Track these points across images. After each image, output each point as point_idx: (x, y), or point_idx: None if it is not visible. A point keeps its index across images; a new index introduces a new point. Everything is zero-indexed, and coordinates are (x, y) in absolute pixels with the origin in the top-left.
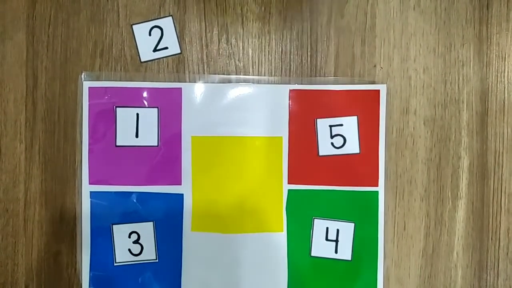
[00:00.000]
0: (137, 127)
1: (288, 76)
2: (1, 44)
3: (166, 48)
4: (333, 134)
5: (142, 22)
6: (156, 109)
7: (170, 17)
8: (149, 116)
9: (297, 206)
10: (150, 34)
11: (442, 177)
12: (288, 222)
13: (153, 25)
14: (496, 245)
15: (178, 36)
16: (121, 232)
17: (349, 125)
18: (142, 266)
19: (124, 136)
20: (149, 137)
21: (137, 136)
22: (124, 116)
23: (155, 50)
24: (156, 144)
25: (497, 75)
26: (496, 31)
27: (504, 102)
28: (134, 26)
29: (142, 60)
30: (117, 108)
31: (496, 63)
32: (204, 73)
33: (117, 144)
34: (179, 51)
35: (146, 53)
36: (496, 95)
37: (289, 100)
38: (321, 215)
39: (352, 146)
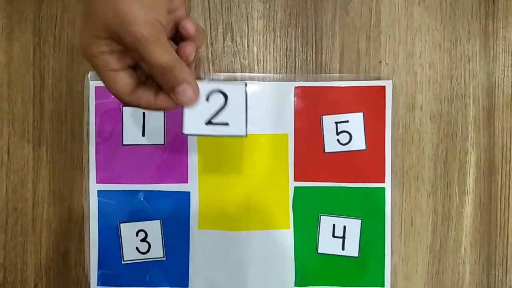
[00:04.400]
0: (143, 126)
1: (293, 73)
2: (8, 45)
3: None
4: (339, 130)
5: None
6: None
7: None
8: (155, 115)
9: (303, 203)
10: None
11: (449, 173)
12: (294, 219)
13: None
14: (505, 241)
15: None
16: (128, 231)
17: (355, 122)
18: (150, 264)
19: (131, 135)
20: (156, 135)
21: (143, 134)
22: (131, 115)
23: None
24: (162, 143)
25: (504, 70)
26: (503, 25)
27: (511, 97)
28: None
29: None
30: (124, 107)
31: (503, 57)
32: (209, 71)
33: (124, 143)
34: None
35: None
36: (503, 89)
37: (295, 97)
38: (327, 212)
39: (358, 143)
